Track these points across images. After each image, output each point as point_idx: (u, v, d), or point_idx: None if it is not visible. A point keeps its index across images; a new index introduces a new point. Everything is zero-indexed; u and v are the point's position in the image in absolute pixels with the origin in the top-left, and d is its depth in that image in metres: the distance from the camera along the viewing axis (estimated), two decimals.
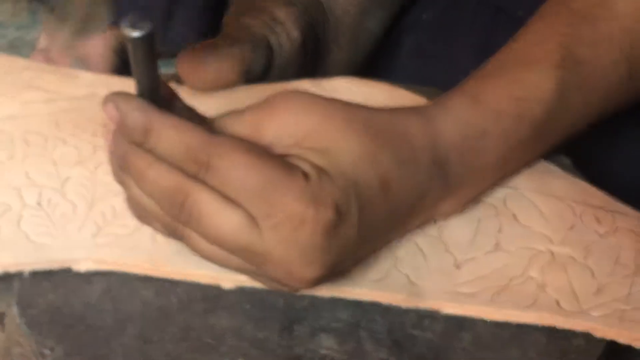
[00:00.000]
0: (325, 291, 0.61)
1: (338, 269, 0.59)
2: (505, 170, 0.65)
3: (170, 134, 0.54)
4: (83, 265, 0.62)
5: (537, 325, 0.60)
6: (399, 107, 0.61)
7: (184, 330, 0.59)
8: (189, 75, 0.72)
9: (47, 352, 0.59)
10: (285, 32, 0.75)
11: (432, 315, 0.61)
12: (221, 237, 0.55)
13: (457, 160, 0.61)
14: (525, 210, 0.66)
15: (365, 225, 0.58)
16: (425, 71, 0.71)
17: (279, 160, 0.55)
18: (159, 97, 0.56)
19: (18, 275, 0.62)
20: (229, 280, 0.61)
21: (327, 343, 0.59)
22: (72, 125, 0.70)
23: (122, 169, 0.57)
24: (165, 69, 0.99)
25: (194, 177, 0.55)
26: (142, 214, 0.59)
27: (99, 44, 0.95)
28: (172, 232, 0.58)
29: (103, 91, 0.73)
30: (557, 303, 0.61)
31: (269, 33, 0.75)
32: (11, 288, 0.62)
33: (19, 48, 1.01)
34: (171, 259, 0.62)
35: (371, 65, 0.88)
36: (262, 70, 0.74)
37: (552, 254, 0.63)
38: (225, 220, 0.55)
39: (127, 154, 0.56)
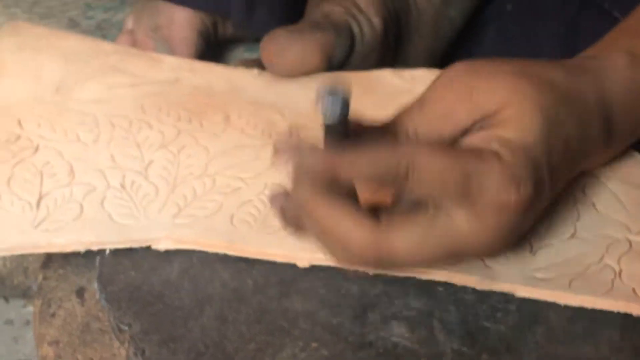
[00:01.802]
0: (400, 272, 0.61)
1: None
2: None
3: (359, 162, 0.54)
4: (163, 244, 0.63)
5: (611, 320, 0.60)
6: (568, 63, 0.61)
7: (259, 313, 0.60)
8: (272, 60, 0.73)
9: (125, 327, 0.60)
10: (367, 19, 0.76)
11: (505, 309, 0.61)
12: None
13: (620, 118, 0.62)
14: (604, 198, 0.65)
15: (551, 189, 0.59)
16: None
17: (467, 152, 0.56)
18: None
19: (99, 252, 0.63)
20: (304, 259, 0.62)
21: (398, 331, 0.60)
22: (156, 109, 0.72)
23: (302, 212, 0.57)
24: (248, 54, 1.00)
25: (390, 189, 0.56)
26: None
27: (183, 27, 0.96)
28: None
29: (187, 76, 0.75)
30: (634, 291, 0.60)
31: (351, 20, 0.75)
32: (92, 264, 0.63)
33: (107, 30, 1.02)
34: (247, 239, 0.63)
35: (453, 54, 0.88)
36: (343, 57, 0.74)
37: (630, 242, 0.63)
38: (421, 240, 0.56)
39: (308, 202, 0.56)
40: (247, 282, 0.62)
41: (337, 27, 0.74)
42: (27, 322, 0.91)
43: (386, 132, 0.58)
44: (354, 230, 0.55)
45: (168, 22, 0.96)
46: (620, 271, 0.61)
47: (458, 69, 0.59)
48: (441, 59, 0.85)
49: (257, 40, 0.83)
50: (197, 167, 0.67)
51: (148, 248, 0.63)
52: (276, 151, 0.55)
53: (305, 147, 0.54)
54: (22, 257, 0.92)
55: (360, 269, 0.60)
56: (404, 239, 0.55)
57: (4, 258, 0.92)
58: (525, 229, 0.60)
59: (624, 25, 0.65)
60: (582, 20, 0.84)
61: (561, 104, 0.58)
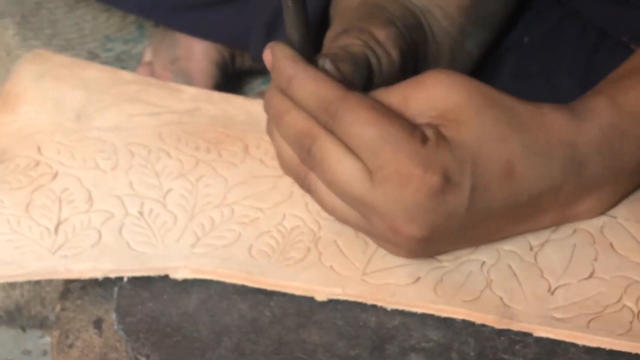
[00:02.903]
0: (417, 307, 0.61)
1: (444, 239, 0.61)
2: None
3: (309, 85, 0.60)
4: (181, 274, 0.63)
5: (629, 353, 0.59)
6: (544, 103, 0.63)
7: (277, 344, 0.60)
8: None
9: (142, 359, 0.60)
10: (385, 52, 0.76)
11: (523, 341, 0.60)
12: (338, 183, 0.59)
13: (596, 161, 0.63)
14: (622, 239, 0.65)
15: (479, 204, 0.60)
16: (526, 94, 0.70)
17: (401, 121, 0.59)
18: (310, 51, 0.62)
19: (117, 282, 0.63)
20: (322, 293, 0.62)
21: None
22: (175, 138, 0.72)
23: (265, 111, 0.63)
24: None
25: (324, 126, 0.59)
26: (281, 164, 0.64)
27: (201, 59, 0.96)
28: (302, 182, 0.63)
29: (206, 106, 0.75)
30: None
31: (369, 53, 0.75)
32: (110, 295, 0.64)
33: (125, 61, 1.03)
34: (265, 270, 0.63)
35: None
36: (361, 89, 0.74)
37: None
38: (344, 167, 0.59)
39: (271, 98, 0.62)
40: (265, 313, 0.62)
41: (355, 59, 0.74)
42: (45, 353, 0.91)
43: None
44: (296, 119, 0.60)
45: (186, 54, 0.96)
46: (639, 313, 0.61)
47: (438, 72, 0.62)
48: None
49: None
50: (215, 196, 0.68)
51: (166, 278, 0.63)
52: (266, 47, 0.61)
53: (280, 47, 0.60)
54: (40, 287, 0.92)
55: (289, 168, 0.63)
56: (329, 154, 0.59)
57: (22, 288, 0.92)
58: (441, 225, 0.60)
59: (611, 75, 0.67)
60: (600, 53, 0.84)
61: (508, 126, 0.60)
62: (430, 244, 0.61)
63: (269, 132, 0.64)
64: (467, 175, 0.59)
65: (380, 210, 0.59)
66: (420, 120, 0.60)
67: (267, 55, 0.61)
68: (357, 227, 0.63)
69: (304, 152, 0.60)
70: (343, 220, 0.63)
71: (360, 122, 0.58)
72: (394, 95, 0.61)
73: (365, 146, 0.58)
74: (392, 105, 0.61)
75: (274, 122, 0.62)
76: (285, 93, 0.61)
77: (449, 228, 0.60)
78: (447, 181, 0.58)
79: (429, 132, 0.59)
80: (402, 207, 0.59)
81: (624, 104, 0.63)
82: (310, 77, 0.60)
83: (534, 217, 0.64)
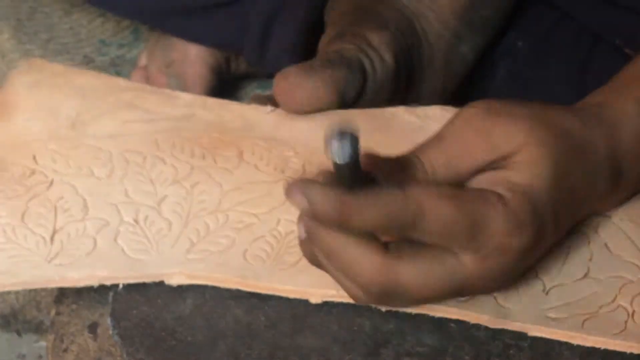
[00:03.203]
0: (411, 308, 0.61)
1: None
2: None
3: (369, 212, 0.54)
4: (176, 280, 0.63)
5: (624, 357, 0.59)
6: (583, 112, 0.62)
7: (271, 349, 0.60)
8: (285, 97, 0.73)
9: None
10: (379, 56, 0.76)
11: (518, 345, 0.61)
12: (430, 286, 0.57)
13: (629, 167, 0.63)
14: (617, 239, 0.65)
15: (556, 234, 0.60)
16: (520, 98, 0.70)
17: (474, 196, 0.56)
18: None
19: (112, 287, 0.63)
20: (317, 295, 0.62)
21: None
22: (170, 144, 0.72)
23: (312, 242, 0.57)
24: (260, 90, 1.01)
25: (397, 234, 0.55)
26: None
27: (196, 63, 0.97)
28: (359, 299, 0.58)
29: (201, 112, 0.75)
30: None
31: (363, 57, 0.75)
32: (105, 299, 0.64)
33: (121, 66, 1.03)
34: (260, 274, 0.63)
35: (465, 92, 0.88)
36: (355, 93, 0.75)
37: None
38: (433, 279, 0.56)
39: (316, 235, 0.56)
40: (260, 318, 0.62)
41: (349, 63, 0.74)
42: (40, 357, 0.91)
43: (400, 168, 0.58)
44: (362, 257, 0.55)
45: (181, 58, 0.97)
46: (633, 312, 0.61)
47: (477, 108, 0.59)
48: (453, 95, 0.85)
49: (270, 76, 0.83)
50: (210, 202, 0.68)
51: (161, 283, 0.63)
52: (287, 192, 0.54)
53: (316, 190, 0.53)
54: (35, 292, 0.92)
55: (366, 302, 0.59)
56: (412, 271, 0.56)
57: (17, 292, 0.92)
58: (527, 268, 0.61)
59: (633, 70, 0.66)
60: (594, 57, 0.85)
61: (572, 156, 0.60)
62: None
63: (314, 262, 0.58)
64: (550, 218, 0.58)
65: (476, 285, 0.58)
66: (485, 167, 0.58)
67: (299, 199, 0.53)
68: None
69: (377, 290, 0.56)
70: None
71: (442, 218, 0.55)
72: (449, 149, 0.58)
73: (456, 238, 0.55)
74: (448, 159, 0.58)
75: (327, 257, 0.57)
76: (337, 226, 0.54)
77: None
78: (539, 232, 0.58)
79: (502, 189, 0.57)
80: (499, 277, 0.58)
81: None
82: (367, 204, 0.53)
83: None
